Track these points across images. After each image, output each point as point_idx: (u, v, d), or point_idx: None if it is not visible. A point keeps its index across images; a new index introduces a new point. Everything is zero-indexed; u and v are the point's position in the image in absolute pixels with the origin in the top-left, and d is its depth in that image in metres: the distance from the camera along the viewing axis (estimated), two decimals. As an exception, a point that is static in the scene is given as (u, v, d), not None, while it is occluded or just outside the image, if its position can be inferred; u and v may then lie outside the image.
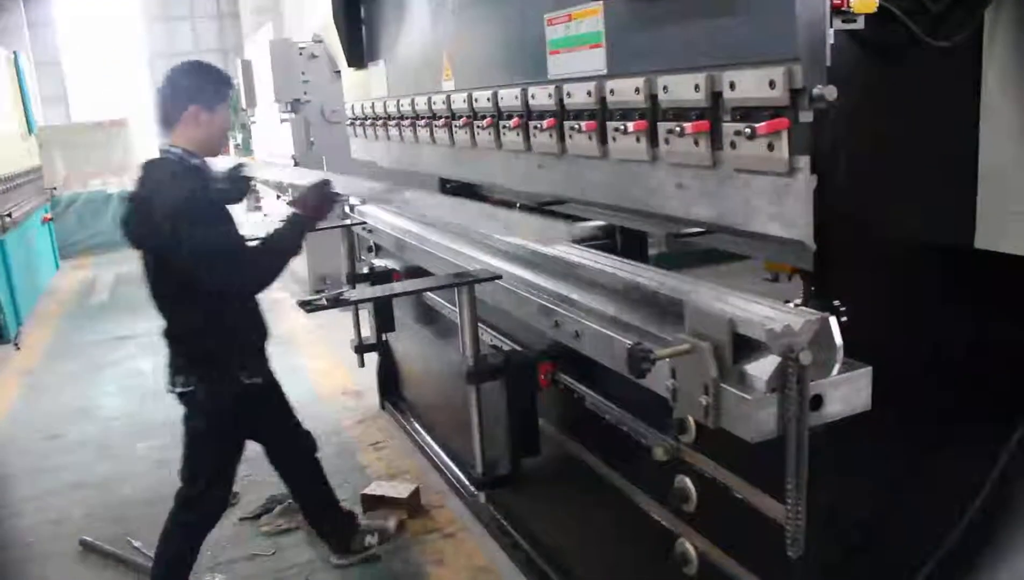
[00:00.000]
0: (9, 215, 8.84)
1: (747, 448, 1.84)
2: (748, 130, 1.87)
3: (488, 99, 3.24)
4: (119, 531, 4.36)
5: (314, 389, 6.35)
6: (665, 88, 2.20)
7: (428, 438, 5.01)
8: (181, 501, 3.51)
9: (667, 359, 1.94)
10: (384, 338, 5.38)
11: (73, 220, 14.14)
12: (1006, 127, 1.94)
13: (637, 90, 2.30)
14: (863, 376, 1.87)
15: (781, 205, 1.91)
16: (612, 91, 2.44)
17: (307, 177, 3.48)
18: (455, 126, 3.65)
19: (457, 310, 3.24)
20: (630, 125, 2.34)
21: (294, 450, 3.75)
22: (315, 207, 3.30)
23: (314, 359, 7.11)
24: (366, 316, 5.15)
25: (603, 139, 2.54)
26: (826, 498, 1.89)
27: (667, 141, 2.23)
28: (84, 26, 25.03)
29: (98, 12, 25.23)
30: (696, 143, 2.11)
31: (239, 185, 3.85)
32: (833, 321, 1.80)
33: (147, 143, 20.49)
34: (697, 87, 2.07)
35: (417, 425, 5.22)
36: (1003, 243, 1.98)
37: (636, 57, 2.40)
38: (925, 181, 1.99)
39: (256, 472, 4.74)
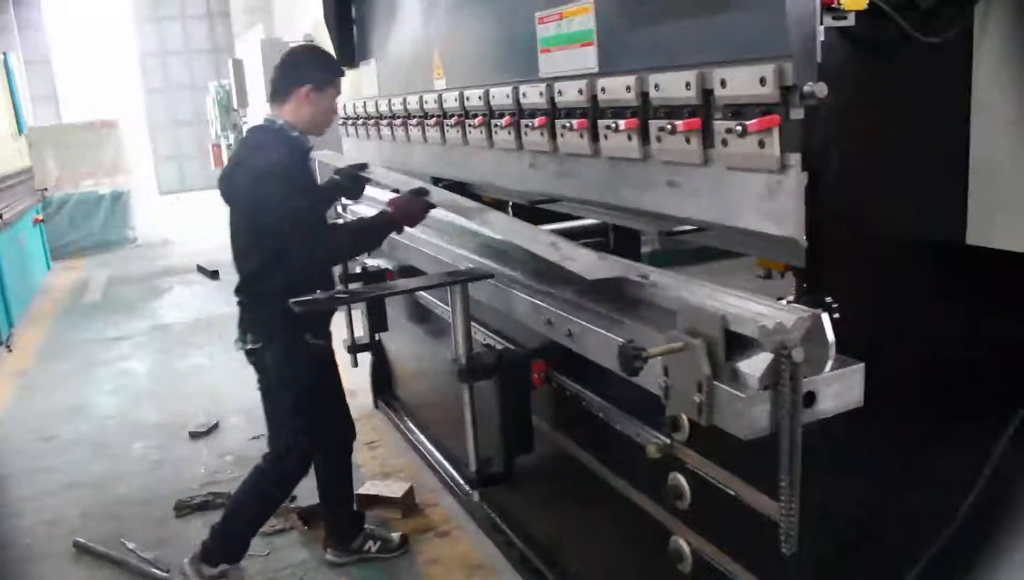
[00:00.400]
0: (0, 216, 8.81)
1: (740, 445, 1.84)
2: (739, 127, 1.87)
3: (479, 98, 3.24)
4: (114, 531, 4.35)
5: (308, 389, 6.33)
6: (656, 86, 2.20)
7: (422, 437, 5.00)
8: (271, 457, 3.61)
9: (659, 357, 1.94)
10: (377, 338, 5.37)
11: (65, 221, 14.10)
12: (997, 123, 1.95)
13: (628, 88, 2.31)
14: (856, 373, 1.87)
15: (773, 202, 1.91)
16: (603, 89, 2.44)
17: (412, 184, 3.59)
18: (447, 125, 3.65)
19: (450, 309, 3.24)
20: (622, 123, 2.34)
21: (337, 430, 3.78)
22: (407, 213, 3.34)
23: (308, 359, 7.09)
24: (359, 316, 5.15)
25: (595, 137, 2.54)
26: (820, 495, 1.89)
27: (659, 139, 2.23)
28: (74, 26, 24.93)
29: (88, 12, 25.13)
30: (688, 141, 2.12)
31: (358, 183, 3.96)
32: (825, 318, 1.80)
33: (138, 143, 20.53)
34: (688, 85, 2.07)
35: (411, 424, 5.22)
36: (995, 239, 1.98)
37: (627, 55, 2.40)
38: (916, 177, 1.99)
39: (247, 473, 4.74)
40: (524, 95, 2.91)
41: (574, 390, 3.00)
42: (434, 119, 3.80)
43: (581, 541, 3.32)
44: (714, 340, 1.85)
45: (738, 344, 1.85)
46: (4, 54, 11.10)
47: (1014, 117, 1.92)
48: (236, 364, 7.05)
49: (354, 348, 5.06)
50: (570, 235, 3.31)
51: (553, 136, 2.77)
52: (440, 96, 3.68)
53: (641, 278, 2.35)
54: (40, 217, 11.80)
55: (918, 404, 2.04)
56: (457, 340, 3.23)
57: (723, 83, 1.96)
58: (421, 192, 3.41)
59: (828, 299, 1.90)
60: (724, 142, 1.99)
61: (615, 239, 3.72)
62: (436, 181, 4.28)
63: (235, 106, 11.44)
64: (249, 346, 3.50)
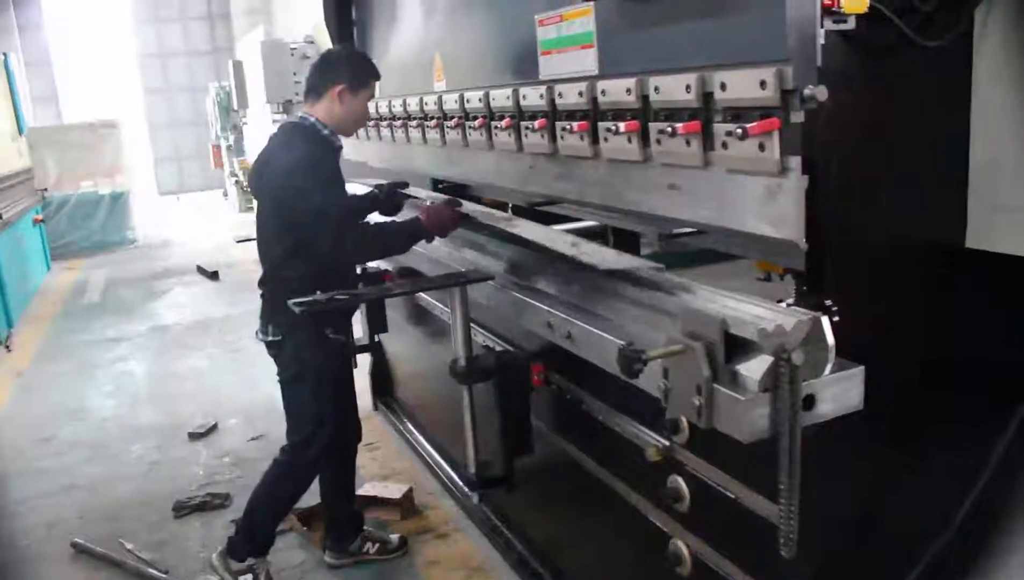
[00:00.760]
0: (0, 216, 8.81)
1: (740, 448, 1.84)
2: (739, 130, 1.87)
3: (480, 99, 3.24)
4: (113, 532, 4.35)
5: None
6: (656, 88, 2.20)
7: (421, 439, 5.00)
8: (291, 448, 3.63)
9: (659, 359, 1.94)
10: (377, 339, 5.37)
11: (64, 221, 14.11)
12: (997, 126, 1.95)
13: (628, 90, 2.31)
14: (855, 375, 1.87)
15: (773, 205, 1.91)
16: (603, 91, 2.44)
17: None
18: (447, 126, 3.65)
19: (449, 311, 3.24)
20: (622, 125, 2.34)
21: (343, 430, 3.77)
22: (439, 223, 3.33)
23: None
24: (358, 317, 5.14)
25: (595, 139, 2.54)
26: (819, 497, 1.89)
27: (659, 141, 2.23)
28: (75, 27, 24.94)
29: (89, 13, 25.15)
30: (688, 143, 2.12)
31: (395, 200, 3.95)
32: (825, 321, 1.80)
33: (138, 144, 20.53)
34: (688, 87, 2.07)
35: (410, 426, 5.22)
36: (994, 242, 1.99)
37: (628, 57, 2.40)
38: (916, 181, 1.99)
39: (247, 474, 4.74)
40: (524, 97, 2.91)
41: (574, 392, 3.00)
42: (434, 121, 3.80)
43: (580, 543, 3.32)
44: (714, 343, 1.85)
45: (738, 347, 1.85)
46: (4, 55, 11.11)
47: (1014, 121, 1.92)
48: (235, 365, 7.12)
49: (353, 349, 5.06)
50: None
51: (553, 138, 2.78)
52: (440, 98, 3.68)
53: (654, 269, 2.34)
54: (40, 217, 11.81)
55: (917, 406, 2.05)
56: (457, 342, 3.23)
57: (723, 86, 1.96)
58: (454, 202, 3.42)
59: (828, 302, 1.90)
60: (724, 145, 1.99)
61: (615, 241, 3.72)
62: (436, 182, 4.29)
63: (235, 107, 11.43)
64: (270, 338, 3.52)
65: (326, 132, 3.45)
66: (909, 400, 2.03)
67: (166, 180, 24.90)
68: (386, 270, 4.61)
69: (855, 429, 1.90)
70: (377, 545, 3.95)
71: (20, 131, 11.33)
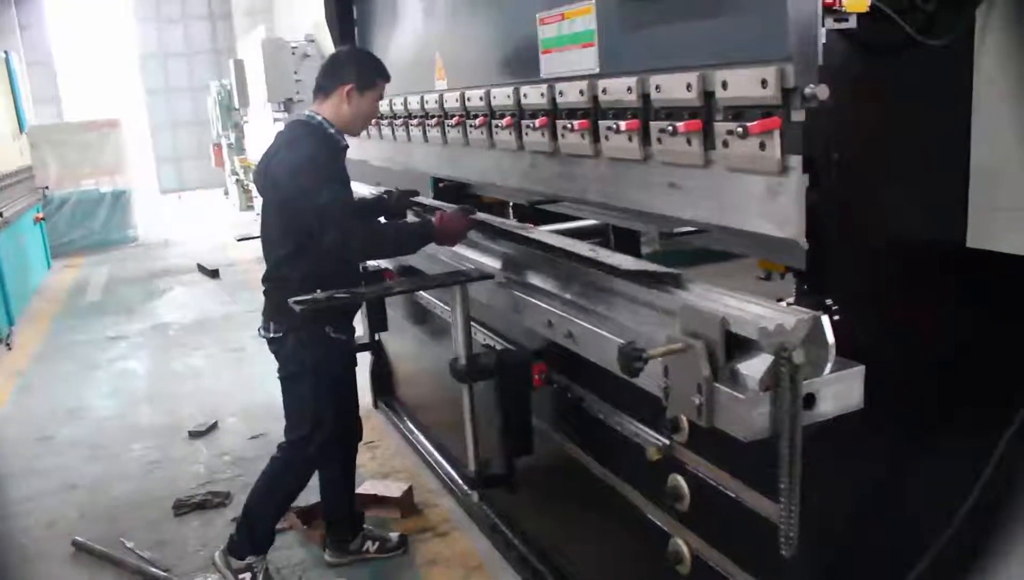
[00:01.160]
0: (0, 214, 8.81)
1: (740, 447, 1.84)
2: (740, 129, 1.87)
3: (481, 98, 3.24)
4: (113, 531, 4.35)
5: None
6: (657, 87, 2.20)
7: (421, 437, 5.00)
8: (289, 446, 3.63)
9: (660, 358, 1.93)
10: (377, 337, 5.38)
11: (65, 220, 14.11)
12: (998, 125, 1.95)
13: (629, 89, 2.31)
14: (855, 374, 1.87)
15: (773, 204, 1.91)
16: (604, 90, 2.44)
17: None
18: (448, 125, 3.65)
19: (450, 309, 3.24)
20: (622, 124, 2.34)
21: (343, 429, 3.77)
22: (450, 229, 3.33)
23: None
24: (359, 315, 5.15)
25: (596, 138, 2.54)
26: (819, 497, 1.89)
27: (660, 140, 2.23)
28: (76, 26, 24.93)
29: (90, 12, 25.14)
30: (688, 142, 2.12)
31: (403, 206, 3.98)
32: (825, 320, 1.80)
33: (139, 143, 20.53)
34: (689, 86, 2.07)
35: (410, 424, 5.22)
36: (995, 242, 1.98)
37: (629, 56, 2.40)
38: (917, 180, 1.99)
39: (247, 473, 4.74)
40: (525, 96, 2.91)
41: (574, 391, 3.00)
42: (435, 119, 3.80)
43: (580, 542, 3.32)
44: (714, 341, 1.85)
45: (738, 346, 1.85)
46: (6, 53, 11.11)
47: (1015, 120, 1.92)
48: (235, 364, 7.12)
49: (354, 348, 5.06)
50: (570, 236, 3.32)
51: (554, 137, 2.77)
52: (441, 96, 3.68)
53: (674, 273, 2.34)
54: (41, 215, 11.81)
55: (918, 406, 2.04)
56: (457, 340, 3.23)
57: (724, 85, 1.96)
58: (468, 210, 3.43)
59: (828, 301, 1.90)
60: (725, 144, 1.99)
61: (615, 240, 3.72)
62: (437, 181, 4.29)
63: (236, 106, 11.43)
64: (271, 335, 3.52)
65: (332, 131, 3.46)
66: (909, 399, 2.03)
67: (167, 179, 24.91)
68: (386, 268, 4.61)
69: (855, 428, 1.90)
70: (377, 543, 3.96)
71: (21, 129, 11.33)
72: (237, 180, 17.55)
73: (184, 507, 4.55)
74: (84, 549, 4.20)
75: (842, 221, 1.90)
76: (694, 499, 2.40)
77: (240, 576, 3.64)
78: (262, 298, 3.57)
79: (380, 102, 3.60)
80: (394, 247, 3.62)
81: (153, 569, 3.97)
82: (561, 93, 2.68)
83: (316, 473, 3.85)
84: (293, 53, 8.78)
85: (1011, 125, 1.92)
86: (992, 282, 2.07)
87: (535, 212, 3.57)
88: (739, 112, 1.93)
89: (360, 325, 5.07)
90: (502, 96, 3.06)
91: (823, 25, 1.75)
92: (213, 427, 5.72)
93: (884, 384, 1.89)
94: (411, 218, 3.85)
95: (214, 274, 11.07)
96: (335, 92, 3.45)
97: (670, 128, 2.14)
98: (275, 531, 3.79)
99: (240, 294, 9.68)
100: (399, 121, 4.23)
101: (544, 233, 3.09)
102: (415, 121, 4.03)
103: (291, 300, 3.06)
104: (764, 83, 1.82)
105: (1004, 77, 1.93)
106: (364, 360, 5.37)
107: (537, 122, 2.81)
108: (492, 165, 3.38)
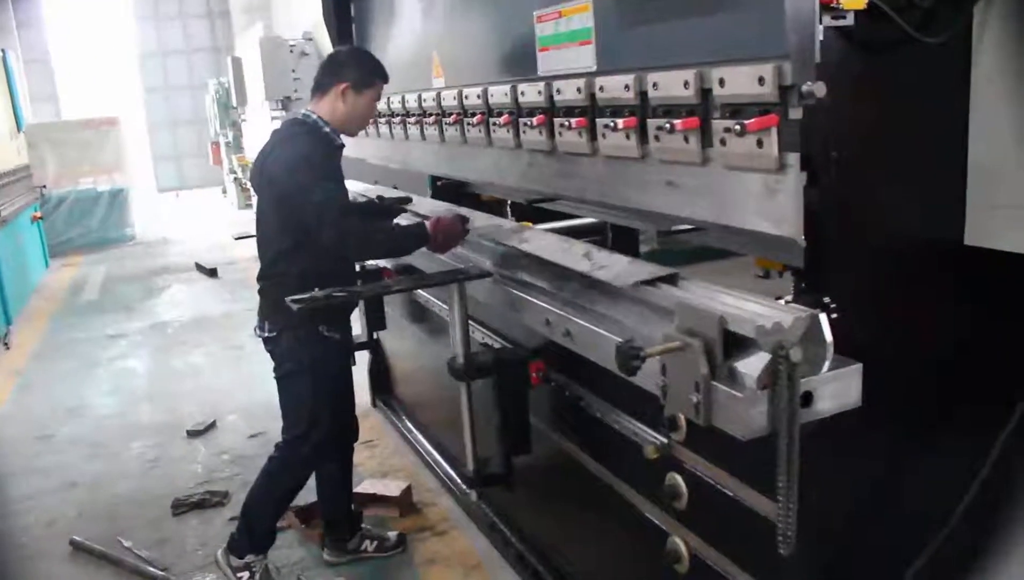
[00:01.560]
0: (-2, 213, 8.83)
1: (738, 445, 1.84)
2: (738, 127, 1.87)
3: (478, 96, 3.23)
4: (111, 530, 4.34)
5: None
6: (655, 85, 2.20)
7: (420, 436, 5.00)
8: (285, 445, 3.63)
9: (657, 357, 1.93)
10: (375, 336, 5.37)
11: (63, 218, 14.11)
12: (996, 123, 1.94)
13: (627, 87, 2.30)
14: (853, 373, 1.86)
15: (771, 202, 1.91)
16: (602, 88, 2.44)
17: (456, 210, 3.63)
18: (445, 123, 3.65)
19: (448, 308, 3.23)
20: (620, 122, 2.34)
21: (340, 428, 3.78)
22: (444, 238, 3.31)
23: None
24: (357, 314, 5.14)
25: (593, 136, 2.54)
26: (817, 495, 1.89)
27: (657, 138, 2.23)
28: (74, 24, 24.92)
29: (88, 10, 25.12)
30: (686, 140, 2.11)
31: (393, 212, 3.98)
32: (823, 318, 1.80)
33: (137, 141, 20.51)
34: (687, 84, 2.07)
35: (409, 423, 5.22)
36: (993, 239, 1.98)
37: (626, 54, 2.40)
38: (915, 178, 1.98)
39: (245, 472, 4.74)
40: (523, 94, 2.91)
41: (572, 390, 3.00)
42: (433, 117, 3.80)
43: (579, 541, 3.32)
44: (712, 340, 1.84)
45: (736, 344, 1.85)
46: (3, 51, 11.09)
47: (1013, 118, 1.91)
48: (234, 363, 7.11)
49: (352, 346, 5.06)
50: (568, 234, 3.31)
51: (552, 135, 2.77)
52: (439, 94, 3.67)
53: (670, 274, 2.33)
54: (38, 214, 11.81)
55: (916, 404, 2.04)
56: (455, 339, 3.22)
57: (721, 82, 1.95)
58: (463, 218, 3.40)
59: (826, 299, 1.90)
60: (723, 141, 1.99)
61: (613, 238, 3.72)
62: (435, 180, 4.29)
63: (234, 104, 11.42)
64: (266, 334, 3.52)
65: (327, 130, 3.45)
66: (907, 397, 2.02)
67: (165, 177, 24.91)
68: (385, 267, 4.61)
69: (853, 426, 1.90)
70: (375, 543, 3.95)
71: (19, 128, 11.32)
72: (235, 178, 17.55)
73: (183, 506, 4.54)
74: (82, 548, 4.19)
75: (840, 219, 1.90)
76: (692, 498, 2.40)
77: (239, 575, 3.64)
78: (354, 264, 3.57)
79: (378, 102, 3.59)
80: (388, 248, 3.60)
81: (151, 568, 3.97)
82: (558, 91, 2.67)
83: (315, 473, 3.85)
84: (291, 51, 8.78)
85: (1009, 123, 1.92)
86: (990, 280, 2.07)
87: (533, 210, 3.57)
88: (737, 110, 1.93)
89: (358, 323, 5.08)
90: (500, 94, 3.06)
91: (820, 22, 1.75)
92: (212, 426, 5.71)
93: (882, 382, 1.89)
94: (405, 221, 3.83)
95: (212, 273, 11.06)
96: (331, 91, 3.45)
97: (667, 126, 2.14)
98: (276, 530, 3.79)
99: (238, 292, 9.68)
100: (396, 119, 4.23)
101: (540, 237, 3.07)
102: (412, 119, 4.03)
103: (289, 298, 3.05)
104: (762, 80, 1.82)
105: (1002, 75, 1.92)
106: (362, 359, 5.37)
107: (535, 120, 2.81)
108: (490, 163, 3.38)
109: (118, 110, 17.29)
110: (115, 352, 7.92)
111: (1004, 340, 2.10)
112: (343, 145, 3.54)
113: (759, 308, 1.90)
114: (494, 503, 3.97)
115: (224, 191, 20.21)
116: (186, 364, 7.36)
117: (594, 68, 2.54)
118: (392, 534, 4.00)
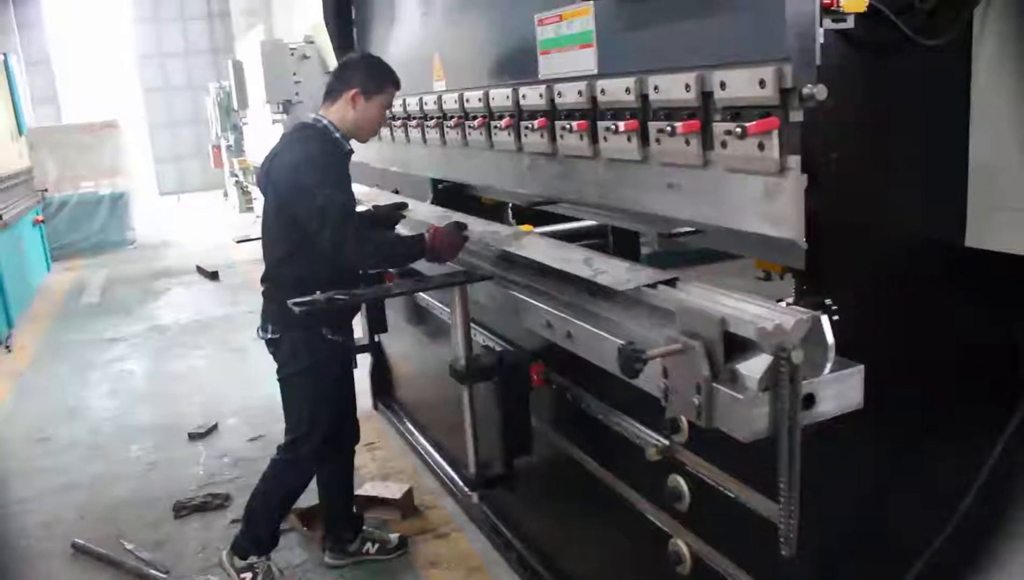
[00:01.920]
0: (0, 216, 8.81)
1: (740, 447, 1.84)
2: (739, 129, 1.87)
3: (479, 99, 3.23)
4: (112, 532, 4.35)
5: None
6: (656, 88, 2.20)
7: (421, 439, 5.00)
8: (287, 446, 3.64)
9: (659, 359, 1.93)
10: (377, 339, 5.37)
11: (64, 222, 14.12)
12: (996, 125, 1.95)
13: (628, 90, 2.31)
14: (855, 374, 1.87)
15: (772, 204, 1.91)
16: (603, 91, 2.44)
17: (452, 217, 3.62)
18: (446, 127, 3.65)
19: (449, 311, 3.24)
20: (621, 125, 2.34)
21: (341, 431, 3.78)
22: (442, 248, 3.27)
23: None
24: (358, 317, 5.14)
25: (594, 139, 2.54)
26: (819, 496, 1.89)
27: (658, 141, 2.23)
28: (74, 27, 24.92)
29: (88, 13, 25.13)
30: (687, 143, 2.12)
31: (392, 220, 3.98)
32: (825, 320, 1.80)
33: (138, 145, 20.52)
34: (688, 87, 2.07)
35: (410, 425, 5.22)
36: (993, 241, 1.99)
37: (627, 57, 2.40)
38: (916, 180, 1.99)
39: (246, 474, 4.74)
40: (524, 97, 2.91)
41: (574, 392, 3.00)
42: (434, 121, 3.80)
43: (580, 543, 3.32)
44: (713, 342, 1.85)
45: (737, 346, 1.85)
46: (4, 55, 11.10)
47: (1013, 119, 1.92)
48: (235, 365, 7.12)
49: (353, 349, 5.06)
50: (569, 237, 3.32)
51: (553, 138, 2.77)
52: (440, 97, 3.68)
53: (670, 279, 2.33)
54: (40, 218, 11.81)
55: (916, 405, 2.04)
56: (457, 341, 3.22)
57: (722, 85, 1.95)
58: (461, 226, 3.38)
59: (827, 301, 1.90)
60: (723, 144, 1.99)
61: (614, 241, 3.72)
62: (436, 183, 4.29)
63: (235, 107, 11.43)
64: (269, 336, 3.53)
65: (337, 135, 3.45)
66: (908, 399, 2.03)
67: (166, 180, 24.91)
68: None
69: (855, 428, 1.90)
70: (377, 545, 3.96)
71: (20, 131, 11.33)
72: (236, 182, 17.55)
73: (184, 508, 4.55)
74: (83, 551, 4.20)
75: (841, 221, 1.90)
76: (694, 499, 2.40)
77: (242, 575, 3.65)
78: (261, 299, 3.57)
79: (388, 109, 3.58)
80: (386, 258, 3.54)
81: (152, 571, 3.97)
82: (560, 94, 2.68)
83: (316, 476, 3.85)
84: (292, 54, 8.77)
85: (1009, 124, 1.92)
86: (990, 281, 2.07)
87: (535, 213, 3.57)
88: (738, 112, 1.93)
89: (360, 326, 5.08)
90: (501, 97, 3.06)
91: (821, 25, 1.76)
92: (213, 428, 5.72)
93: (883, 383, 1.89)
94: (403, 231, 3.82)
95: (213, 276, 11.07)
96: (342, 96, 3.44)
97: (669, 129, 2.14)
98: (279, 531, 3.79)
99: (239, 295, 9.68)
100: (398, 122, 4.23)
101: (540, 243, 3.07)
102: (414, 122, 4.03)
103: (290, 302, 3.06)
104: (762, 83, 1.82)
105: (1002, 76, 1.93)
106: (364, 361, 5.37)
107: (536, 123, 2.81)
108: (491, 166, 3.38)
109: (118, 112, 17.31)
110: (116, 355, 7.92)
111: (1005, 341, 2.10)
112: (352, 151, 3.54)
113: (760, 310, 1.90)
114: (495, 505, 3.97)
115: (225, 194, 20.22)
116: (187, 367, 7.37)
117: (595, 71, 2.54)
118: (393, 536, 4.01)
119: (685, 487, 2.41)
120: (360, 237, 3.30)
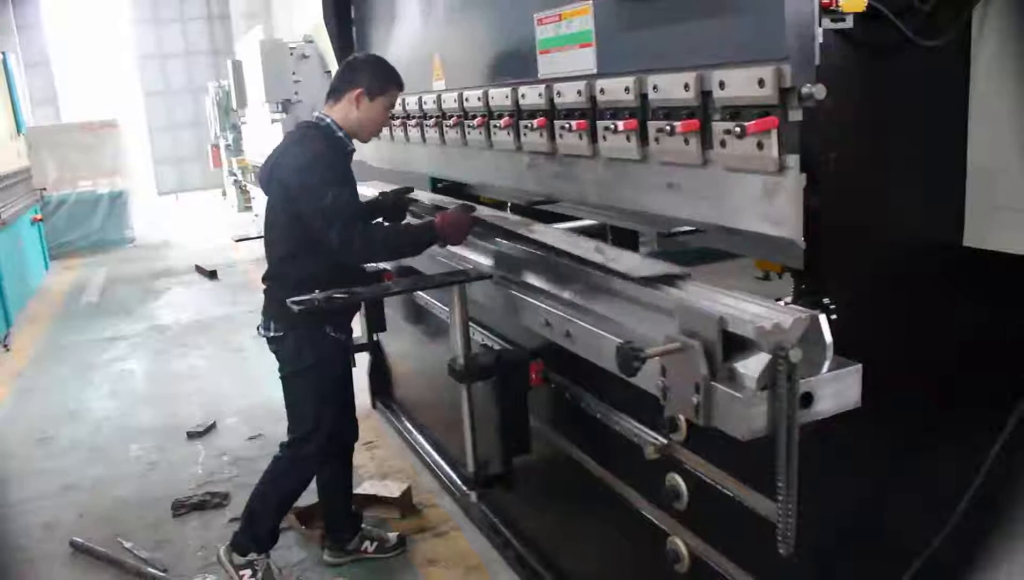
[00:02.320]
0: (-2, 215, 8.83)
1: (738, 446, 1.85)
2: (738, 129, 1.88)
3: (479, 98, 3.24)
4: (112, 532, 4.35)
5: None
6: (655, 87, 2.20)
7: (420, 437, 5.00)
8: (290, 444, 3.65)
9: (658, 358, 1.94)
10: (375, 338, 5.37)
11: (63, 221, 14.12)
12: (995, 125, 1.95)
13: (627, 89, 2.31)
14: (853, 373, 1.87)
15: (771, 204, 1.91)
16: (602, 90, 2.44)
17: (455, 204, 3.61)
18: (446, 126, 3.65)
19: (448, 309, 3.24)
20: (620, 124, 2.35)
21: (341, 427, 3.79)
22: (453, 229, 3.27)
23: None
24: (357, 316, 5.15)
25: (593, 138, 2.54)
26: (817, 495, 1.89)
27: (657, 140, 2.23)
28: (73, 27, 24.91)
29: (87, 13, 25.12)
30: (686, 142, 2.12)
31: (400, 207, 3.94)
32: (823, 319, 1.81)
33: (137, 144, 20.52)
34: (687, 86, 2.07)
35: (409, 424, 5.22)
36: (992, 240, 1.99)
37: (626, 56, 2.40)
38: (915, 179, 1.99)
39: (245, 473, 4.75)
40: (523, 96, 2.91)
41: (572, 391, 3.00)
42: (433, 120, 3.81)
43: (579, 542, 3.32)
44: (712, 341, 1.85)
45: (736, 345, 1.85)
46: (3, 54, 11.10)
47: (1012, 119, 1.92)
48: (234, 365, 7.12)
49: (352, 348, 5.06)
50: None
51: (552, 137, 2.78)
52: (439, 97, 3.68)
53: (683, 273, 2.33)
54: (39, 217, 11.81)
55: (915, 404, 2.05)
56: (456, 340, 3.23)
57: (722, 84, 1.96)
58: (468, 208, 3.40)
59: (826, 300, 1.91)
60: (723, 143, 1.99)
61: (614, 240, 3.72)
62: (435, 182, 4.29)
63: (234, 107, 11.44)
64: (271, 334, 3.53)
65: (340, 134, 3.46)
66: (907, 398, 2.03)
67: (165, 180, 24.89)
68: (385, 269, 4.61)
69: (853, 427, 1.91)
70: (375, 543, 3.96)
71: (19, 131, 11.33)
72: (235, 181, 17.53)
73: (183, 508, 4.55)
74: (83, 550, 4.20)
75: (840, 220, 1.90)
76: (692, 498, 2.40)
77: (241, 572, 3.65)
78: (260, 299, 3.57)
79: (392, 110, 3.59)
80: (395, 250, 3.58)
81: (152, 570, 3.97)
82: (559, 93, 2.68)
83: (317, 476, 3.85)
84: (291, 54, 8.80)
85: (1008, 125, 1.93)
86: (989, 281, 2.08)
87: (534, 212, 3.57)
88: (737, 112, 1.94)
89: (358, 325, 5.08)
90: (500, 96, 3.07)
91: (820, 25, 1.76)
92: (212, 428, 5.72)
93: (881, 383, 1.89)
94: (411, 220, 3.84)
95: (212, 275, 11.07)
96: (346, 96, 3.45)
97: (668, 128, 2.15)
98: (279, 529, 3.79)
99: (238, 295, 9.69)
100: (397, 121, 4.23)
101: (547, 232, 3.08)
102: (413, 121, 4.04)
103: (290, 300, 3.06)
104: (761, 83, 1.83)
105: (1001, 77, 1.93)
106: (362, 360, 5.37)
107: (535, 122, 2.82)
108: (490, 166, 3.39)
109: (118, 113, 17.30)
110: (115, 354, 7.92)
111: (1003, 341, 2.11)
112: (354, 149, 3.55)
113: (759, 309, 1.90)
114: (494, 504, 3.97)
115: (224, 194, 20.20)
116: (186, 366, 7.37)
117: (594, 70, 2.55)
118: (392, 535, 4.01)
119: (683, 486, 2.42)
120: (367, 233, 3.31)
